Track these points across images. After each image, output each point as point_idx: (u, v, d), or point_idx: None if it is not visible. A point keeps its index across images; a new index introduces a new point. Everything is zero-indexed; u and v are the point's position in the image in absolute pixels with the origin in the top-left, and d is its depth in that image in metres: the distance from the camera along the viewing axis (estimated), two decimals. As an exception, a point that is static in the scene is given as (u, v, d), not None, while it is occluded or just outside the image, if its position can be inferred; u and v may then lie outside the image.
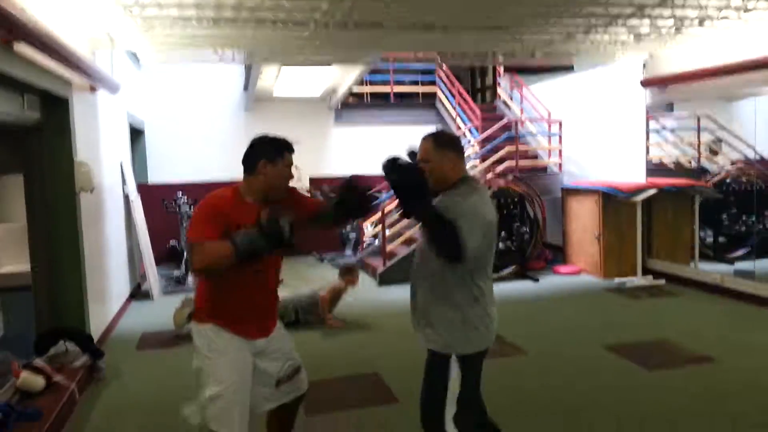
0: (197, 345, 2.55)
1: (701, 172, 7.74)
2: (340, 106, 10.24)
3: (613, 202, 7.35)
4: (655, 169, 7.66)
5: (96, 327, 5.04)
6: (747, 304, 6.06)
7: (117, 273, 6.31)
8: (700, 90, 6.85)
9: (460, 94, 10.05)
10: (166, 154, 9.51)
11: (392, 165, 2.35)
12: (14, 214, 5.42)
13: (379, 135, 10.34)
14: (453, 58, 7.50)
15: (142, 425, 3.67)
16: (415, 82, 11.31)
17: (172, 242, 8.84)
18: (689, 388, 4.05)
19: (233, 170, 2.81)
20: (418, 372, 2.59)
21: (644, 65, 7.31)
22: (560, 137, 8.77)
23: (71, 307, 4.72)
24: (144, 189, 8.16)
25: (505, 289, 6.98)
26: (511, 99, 10.49)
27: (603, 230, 7.48)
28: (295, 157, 2.62)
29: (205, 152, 9.56)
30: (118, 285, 6.36)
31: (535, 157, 9.22)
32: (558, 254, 8.53)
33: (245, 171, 2.56)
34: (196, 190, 8.04)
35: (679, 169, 7.85)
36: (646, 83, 7.30)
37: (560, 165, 8.73)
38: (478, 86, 12.07)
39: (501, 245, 7.67)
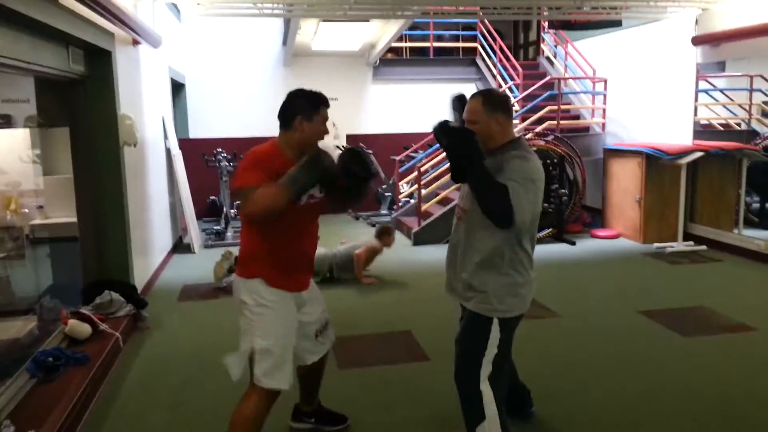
0: (244, 300, 2.51)
1: (751, 134, 7.43)
2: (378, 62, 10.11)
3: (656, 164, 7.14)
4: (702, 130, 7.38)
5: (139, 278, 5.20)
6: (792, 273, 5.89)
7: (159, 226, 6.46)
8: (755, 48, 6.52)
9: (502, 50, 9.78)
10: (205, 109, 9.60)
11: (443, 129, 2.30)
12: (62, 166, 5.57)
13: (417, 92, 10.24)
14: (496, 11, 7.28)
15: (182, 373, 3.81)
16: (456, 38, 11.05)
17: (212, 197, 9.02)
18: (726, 356, 3.97)
19: (271, 125, 2.82)
20: (449, 332, 2.61)
21: (696, 21, 6.98)
22: (605, 96, 8.51)
23: (116, 259, 4.86)
24: (184, 144, 8.26)
25: (541, 251, 6.77)
26: (555, 56, 10.18)
27: (645, 193, 7.30)
28: (333, 114, 2.61)
29: (243, 107, 9.61)
30: (161, 238, 6.52)
31: (578, 117, 8.99)
32: (596, 217, 8.39)
33: (282, 125, 2.56)
34: (235, 145, 8.15)
35: (727, 131, 7.56)
36: (697, 41, 6.98)
37: (603, 125, 8.49)
38: (520, 42, 11.73)
39: (539, 207, 7.56)
